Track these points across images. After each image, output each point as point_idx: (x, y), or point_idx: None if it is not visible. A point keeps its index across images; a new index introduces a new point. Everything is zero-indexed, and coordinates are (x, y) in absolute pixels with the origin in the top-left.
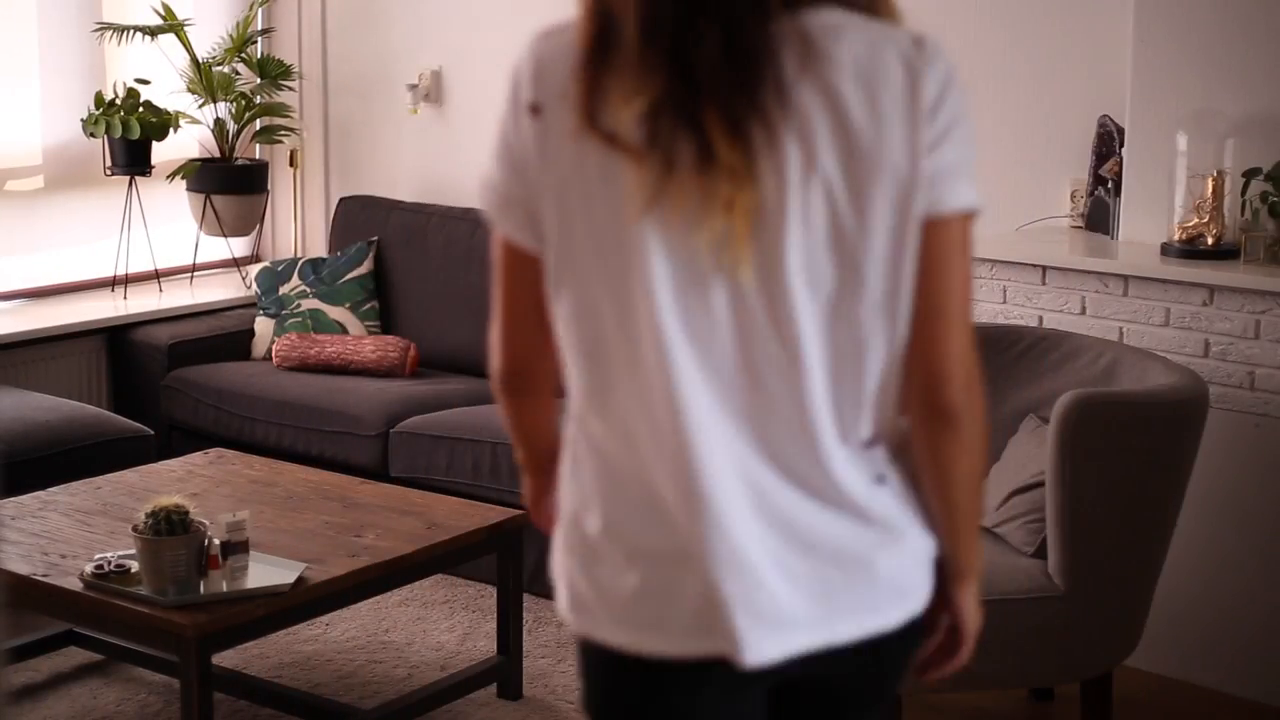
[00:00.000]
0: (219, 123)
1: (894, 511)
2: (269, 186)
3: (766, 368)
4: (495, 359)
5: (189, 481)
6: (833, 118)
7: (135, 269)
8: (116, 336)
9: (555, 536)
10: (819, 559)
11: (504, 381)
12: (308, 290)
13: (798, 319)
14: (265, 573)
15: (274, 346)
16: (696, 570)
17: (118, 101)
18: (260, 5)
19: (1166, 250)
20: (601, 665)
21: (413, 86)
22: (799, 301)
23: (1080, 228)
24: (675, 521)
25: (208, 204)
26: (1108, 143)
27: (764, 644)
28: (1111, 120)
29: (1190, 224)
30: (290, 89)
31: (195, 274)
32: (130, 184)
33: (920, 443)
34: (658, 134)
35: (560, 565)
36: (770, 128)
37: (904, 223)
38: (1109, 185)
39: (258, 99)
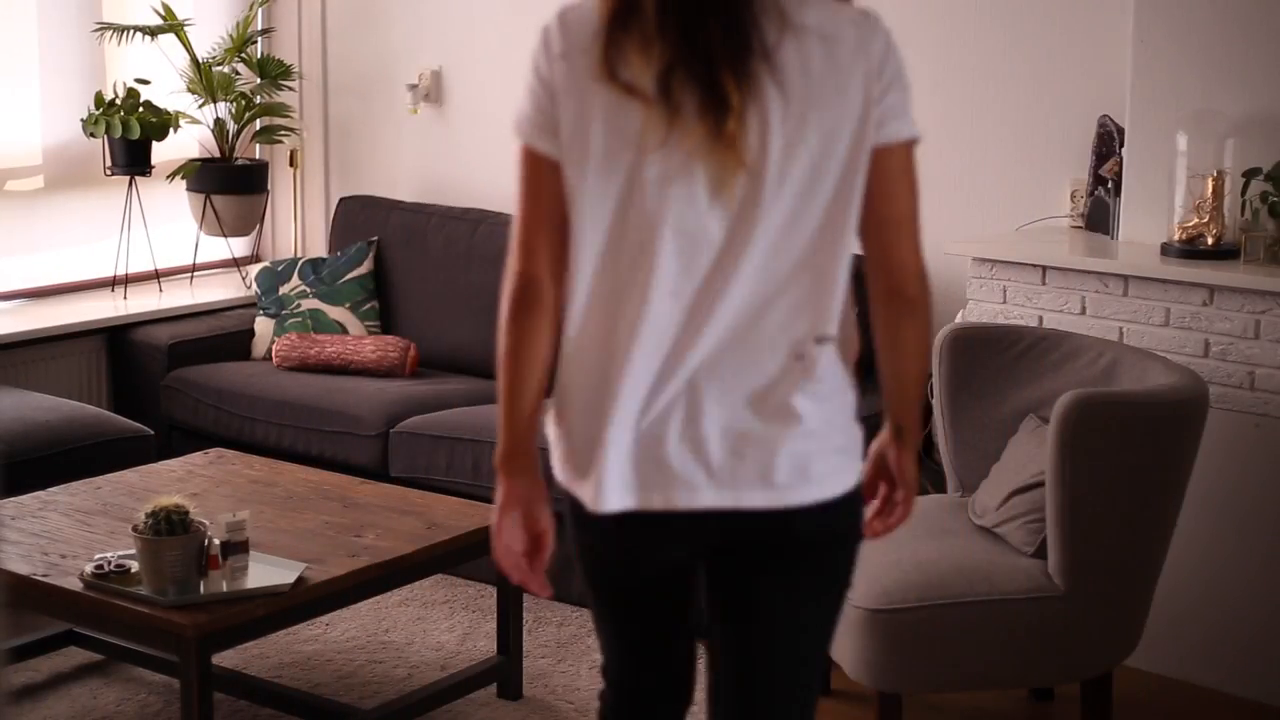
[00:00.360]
0: (219, 123)
1: (814, 411)
2: (269, 186)
3: (738, 273)
4: (511, 271)
5: (189, 481)
6: (804, 72)
7: (135, 269)
8: (116, 336)
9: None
10: (738, 439)
11: (517, 294)
12: (308, 290)
13: (771, 232)
14: (265, 573)
15: (274, 346)
16: (632, 437)
17: (118, 101)
18: (260, 5)
19: (1166, 250)
20: (575, 516)
21: (413, 86)
22: (774, 217)
23: (1080, 228)
24: (612, 393)
25: (208, 204)
26: (1108, 143)
27: (675, 497)
28: (1111, 120)
29: (1190, 224)
30: (290, 89)
31: (195, 274)
32: (130, 184)
33: (882, 327)
34: (670, 88)
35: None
36: (757, 83)
37: (858, 152)
38: (1109, 185)
39: (258, 99)
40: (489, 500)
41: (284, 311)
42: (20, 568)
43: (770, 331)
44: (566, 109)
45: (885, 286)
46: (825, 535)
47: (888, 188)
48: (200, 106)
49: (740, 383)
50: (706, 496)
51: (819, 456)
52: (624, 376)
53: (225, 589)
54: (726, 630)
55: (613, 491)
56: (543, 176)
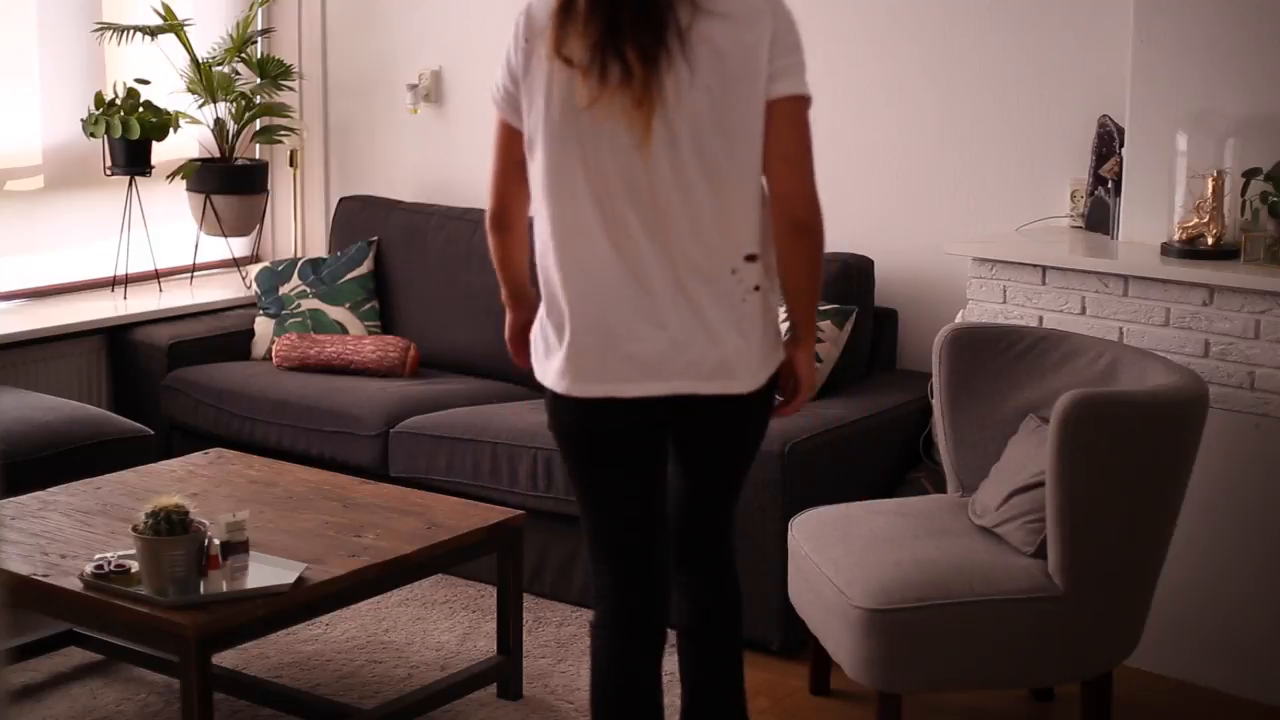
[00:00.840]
0: (219, 123)
1: (743, 318)
2: (269, 186)
3: (667, 206)
4: (489, 204)
5: (189, 481)
6: (711, 47)
7: (135, 269)
8: (116, 336)
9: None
10: (677, 339)
11: (493, 219)
12: (308, 290)
13: (689, 172)
14: (265, 573)
15: (274, 346)
16: (599, 339)
17: (118, 101)
18: (260, 5)
19: (1166, 250)
20: (554, 402)
21: (413, 86)
22: (690, 162)
23: (1080, 228)
24: (568, 304)
25: (208, 204)
26: (1108, 143)
27: (625, 387)
28: (1111, 120)
29: (1190, 224)
30: (290, 89)
31: (195, 274)
32: (130, 184)
33: (782, 247)
34: (596, 61)
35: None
36: (671, 56)
37: (756, 106)
38: (1109, 185)
39: (258, 99)
40: (489, 500)
41: (284, 311)
42: (20, 568)
43: (704, 252)
44: (526, 83)
45: (781, 210)
46: (742, 412)
47: (780, 132)
48: (200, 106)
49: (680, 295)
50: (651, 386)
51: (743, 356)
52: (578, 291)
53: (225, 589)
54: (680, 463)
55: (576, 381)
56: (508, 137)
